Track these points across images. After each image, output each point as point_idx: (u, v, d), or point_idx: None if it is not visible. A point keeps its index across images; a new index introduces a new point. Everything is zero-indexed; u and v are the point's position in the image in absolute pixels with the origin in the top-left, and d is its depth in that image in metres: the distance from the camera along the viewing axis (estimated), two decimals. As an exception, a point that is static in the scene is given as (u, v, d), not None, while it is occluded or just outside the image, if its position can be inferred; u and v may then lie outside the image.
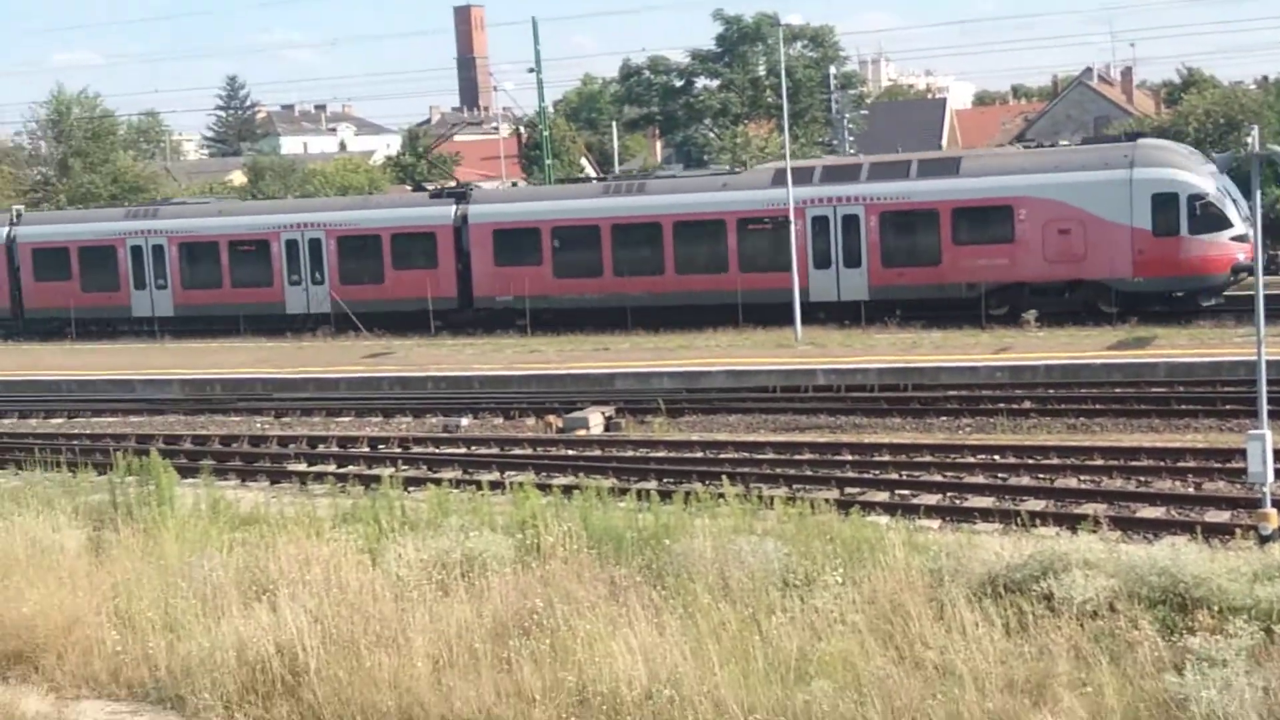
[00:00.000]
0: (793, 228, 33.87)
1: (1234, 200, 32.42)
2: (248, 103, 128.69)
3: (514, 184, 50.20)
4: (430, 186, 45.65)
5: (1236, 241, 31.83)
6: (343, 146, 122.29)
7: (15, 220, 45.22)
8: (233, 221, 42.05)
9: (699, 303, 35.57)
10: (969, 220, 33.71)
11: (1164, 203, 31.98)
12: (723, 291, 35.19)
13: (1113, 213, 32.17)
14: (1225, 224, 31.88)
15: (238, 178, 79.18)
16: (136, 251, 42.09)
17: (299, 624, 11.76)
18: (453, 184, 44.29)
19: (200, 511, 16.08)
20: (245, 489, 20.89)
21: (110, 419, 29.18)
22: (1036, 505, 16.84)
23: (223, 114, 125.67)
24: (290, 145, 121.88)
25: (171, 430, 26.99)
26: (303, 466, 22.69)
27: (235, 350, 35.95)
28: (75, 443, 24.82)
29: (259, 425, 27.46)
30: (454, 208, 39.29)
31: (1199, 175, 32.19)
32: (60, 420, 29.47)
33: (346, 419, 27.59)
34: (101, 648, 12.17)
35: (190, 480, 19.22)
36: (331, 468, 22.38)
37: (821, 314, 34.42)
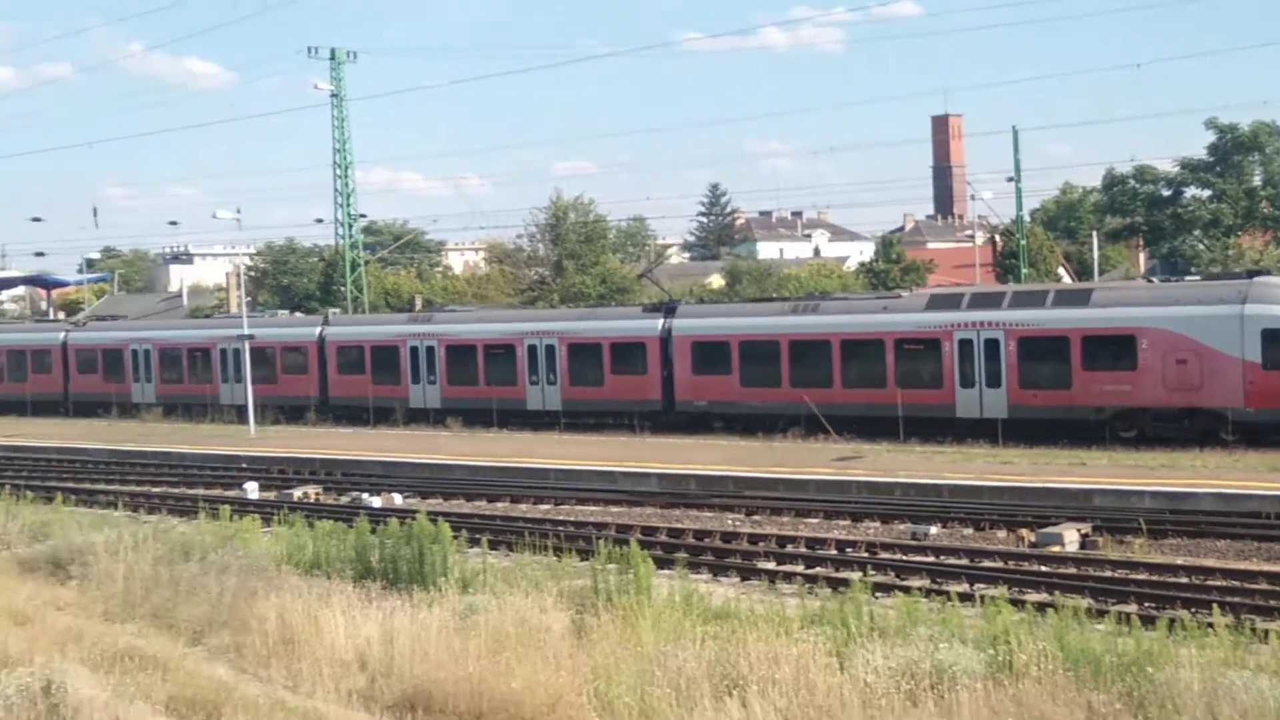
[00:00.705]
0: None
1: None
2: (728, 209, 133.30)
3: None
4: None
5: None
6: (817, 252, 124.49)
7: (326, 321, 53.00)
8: (487, 328, 47.61)
9: (862, 414, 38.14)
10: (1097, 347, 35.43)
11: (1273, 338, 32.99)
12: (882, 404, 37.76)
13: (1226, 345, 33.43)
14: None
15: (716, 281, 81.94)
16: (414, 351, 48.01)
17: (769, 722, 11.90)
18: (667, 299, 49.15)
19: (674, 603, 16.56)
20: (716, 583, 21.41)
21: (593, 508, 30.62)
22: None
23: (704, 220, 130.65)
24: (766, 250, 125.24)
25: (648, 522, 28.04)
26: (771, 565, 23.04)
27: (709, 448, 37.03)
28: (560, 529, 26.23)
29: (730, 522, 28.12)
30: (661, 321, 43.14)
31: None
32: (548, 506, 31.19)
33: (814, 520, 27.82)
34: (582, 728, 12.72)
35: (665, 571, 19.89)
36: (799, 568, 22.60)
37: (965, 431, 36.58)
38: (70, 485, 35.69)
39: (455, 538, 20.30)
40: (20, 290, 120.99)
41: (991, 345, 36.66)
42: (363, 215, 72.84)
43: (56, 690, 12.82)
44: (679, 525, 27.50)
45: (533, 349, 45.25)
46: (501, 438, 42.46)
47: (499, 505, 31.66)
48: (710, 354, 41.71)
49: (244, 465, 39.01)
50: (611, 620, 15.76)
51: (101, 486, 36.02)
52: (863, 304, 41.49)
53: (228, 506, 26.84)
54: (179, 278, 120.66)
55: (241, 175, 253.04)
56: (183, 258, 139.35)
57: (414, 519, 19.95)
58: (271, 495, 33.54)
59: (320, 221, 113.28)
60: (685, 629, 15.32)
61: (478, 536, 23.46)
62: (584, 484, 33.12)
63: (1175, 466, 29.65)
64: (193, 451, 41.80)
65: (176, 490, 35.45)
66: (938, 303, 38.61)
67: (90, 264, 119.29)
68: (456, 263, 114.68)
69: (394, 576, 18.54)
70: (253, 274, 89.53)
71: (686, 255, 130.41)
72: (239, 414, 49.53)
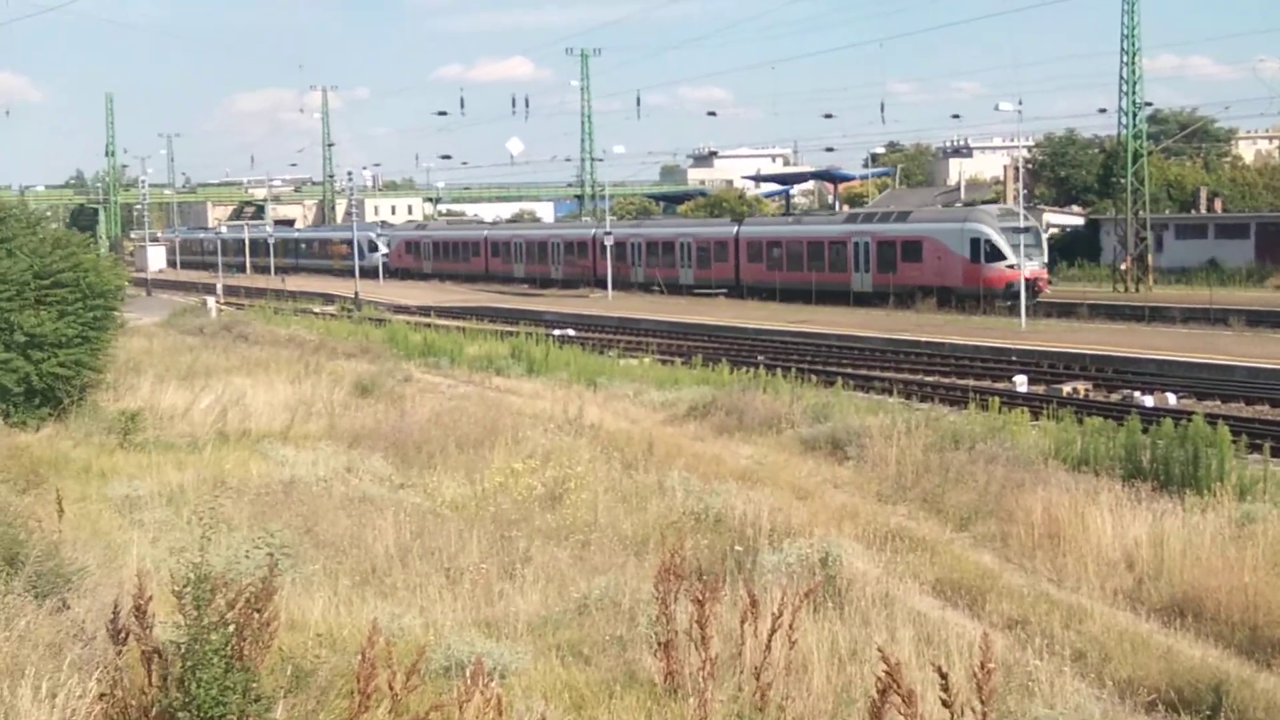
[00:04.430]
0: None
1: (1016, 245, 52.39)
2: None
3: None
4: None
5: (1009, 269, 53.26)
6: None
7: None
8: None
9: (806, 289, 61.51)
10: (906, 248, 58.56)
11: (974, 244, 55.34)
12: (832, 283, 61.24)
13: (957, 248, 55.98)
14: (1002, 257, 54.05)
15: None
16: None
17: None
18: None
19: None
20: None
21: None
22: None
23: None
24: None
25: None
26: None
27: None
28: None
29: None
30: (735, 227, 70.16)
31: (992, 228, 55.05)
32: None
33: None
34: None
35: None
36: None
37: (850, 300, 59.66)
38: (849, 371, 37.52)
39: (1234, 442, 19.23)
40: (810, 185, 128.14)
41: (865, 246, 60.37)
42: (1148, 103, 69.96)
43: (833, 562, 13.61)
44: None
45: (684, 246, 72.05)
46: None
47: (1285, 411, 29.57)
48: (759, 250, 67.03)
49: (1013, 358, 39.15)
50: None
51: (877, 374, 37.50)
52: (818, 218, 74.13)
53: (997, 398, 27.14)
54: (957, 171, 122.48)
55: (1024, 66, 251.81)
56: (963, 151, 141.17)
57: (1189, 420, 19.14)
58: (1040, 389, 33.44)
59: (1103, 111, 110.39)
60: None
61: (1258, 442, 22.09)
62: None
63: None
64: (964, 343, 42.51)
65: (947, 380, 36.28)
66: (850, 218, 66.75)
67: (874, 159, 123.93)
68: (1248, 152, 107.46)
69: (1165, 478, 17.91)
70: (1030, 166, 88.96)
71: None
72: (1010, 308, 49.71)
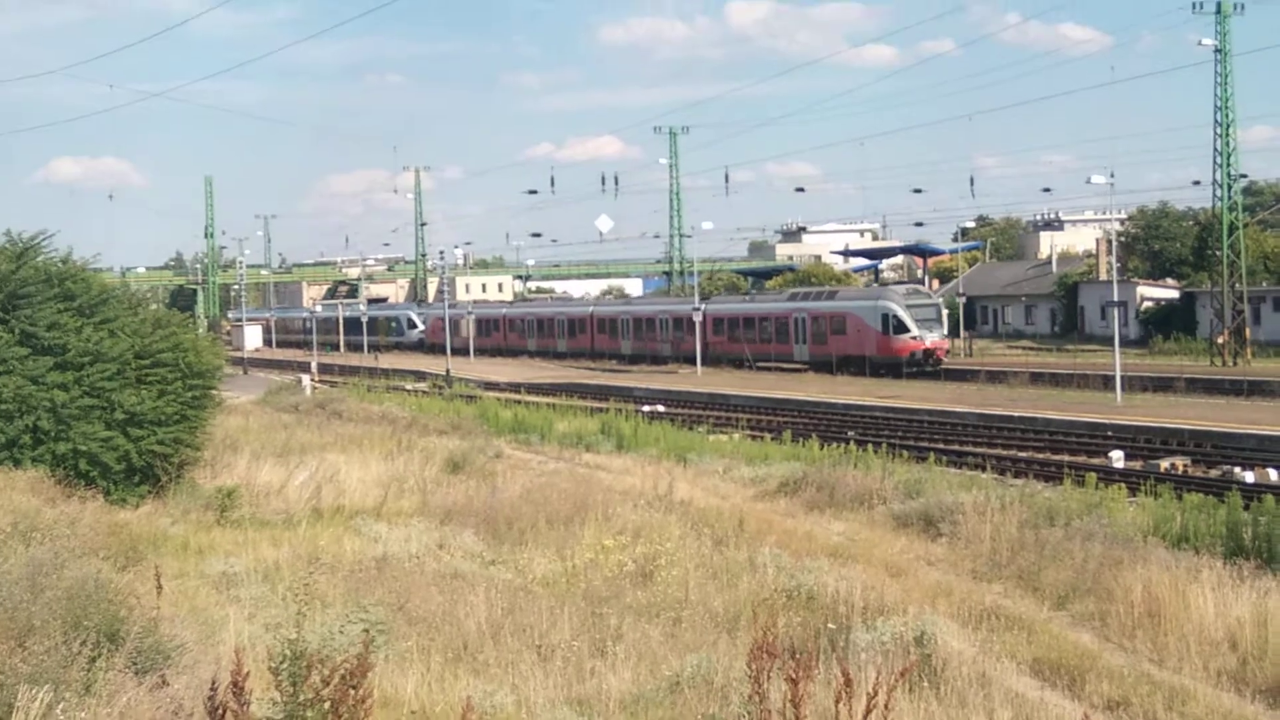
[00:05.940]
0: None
1: (921, 320, 63.45)
2: None
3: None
4: None
5: (913, 340, 62.83)
6: None
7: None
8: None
9: (772, 361, 71.17)
10: (833, 322, 67.19)
11: (884, 318, 63.81)
12: (782, 354, 70.63)
13: (872, 323, 64.39)
14: (906, 330, 63.08)
15: None
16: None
17: None
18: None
19: None
20: None
21: None
22: None
23: None
24: None
25: None
26: None
27: None
28: None
29: None
30: (702, 305, 74.54)
31: (899, 305, 63.70)
32: None
33: None
34: None
35: None
36: None
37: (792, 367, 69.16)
38: (940, 446, 37.17)
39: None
40: (899, 259, 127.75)
41: (803, 320, 69.06)
42: (1243, 175, 69.15)
43: (928, 641, 13.44)
44: None
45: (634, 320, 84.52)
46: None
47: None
48: (721, 325, 75.12)
49: (1109, 433, 38.58)
50: None
51: (970, 449, 37.14)
52: (768, 296, 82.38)
53: (1093, 474, 26.74)
54: (1048, 244, 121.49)
55: (1115, 139, 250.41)
56: (1054, 224, 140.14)
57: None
58: (1137, 465, 32.90)
59: (1197, 184, 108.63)
60: None
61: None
62: None
63: None
64: (1058, 417, 41.96)
65: (1041, 455, 35.79)
66: (791, 296, 74.75)
67: (964, 233, 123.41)
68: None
69: (1268, 556, 17.51)
70: (1123, 239, 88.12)
71: None
72: (1104, 381, 49.16)
